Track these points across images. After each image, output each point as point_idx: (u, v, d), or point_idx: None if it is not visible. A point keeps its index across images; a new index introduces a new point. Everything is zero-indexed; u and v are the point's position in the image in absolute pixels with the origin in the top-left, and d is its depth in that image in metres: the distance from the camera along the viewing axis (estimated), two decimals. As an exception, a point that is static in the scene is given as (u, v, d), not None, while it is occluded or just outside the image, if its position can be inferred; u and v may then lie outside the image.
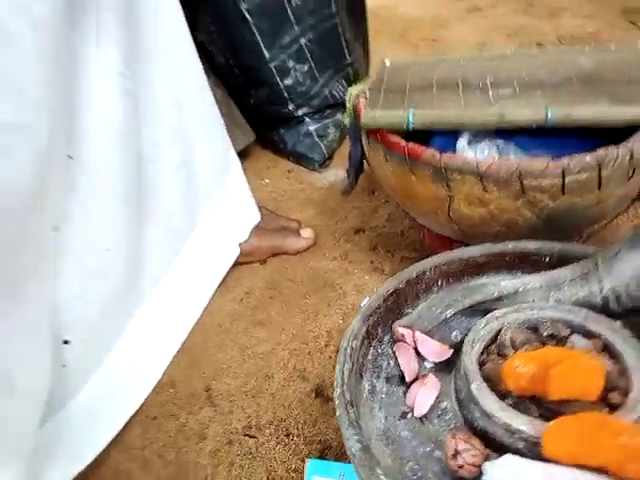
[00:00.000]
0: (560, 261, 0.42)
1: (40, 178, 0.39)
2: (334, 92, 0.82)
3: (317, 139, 0.80)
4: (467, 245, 0.45)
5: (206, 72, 0.59)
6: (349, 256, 0.62)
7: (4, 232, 0.36)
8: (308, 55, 0.77)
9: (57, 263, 0.45)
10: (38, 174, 0.38)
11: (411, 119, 0.45)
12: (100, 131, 0.47)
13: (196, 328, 0.55)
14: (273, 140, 0.83)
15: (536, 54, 0.57)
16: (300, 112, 0.79)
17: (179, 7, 0.54)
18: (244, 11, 0.69)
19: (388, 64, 0.59)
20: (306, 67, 0.77)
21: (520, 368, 0.31)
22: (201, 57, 0.58)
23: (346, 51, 0.82)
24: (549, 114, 0.42)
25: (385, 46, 1.22)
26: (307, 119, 0.80)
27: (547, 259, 0.43)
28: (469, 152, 0.46)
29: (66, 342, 0.46)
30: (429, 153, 0.43)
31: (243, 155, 0.83)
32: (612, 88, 0.46)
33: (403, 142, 0.45)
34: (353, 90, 0.55)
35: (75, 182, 0.45)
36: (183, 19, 0.54)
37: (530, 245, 0.43)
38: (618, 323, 0.36)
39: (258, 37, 0.71)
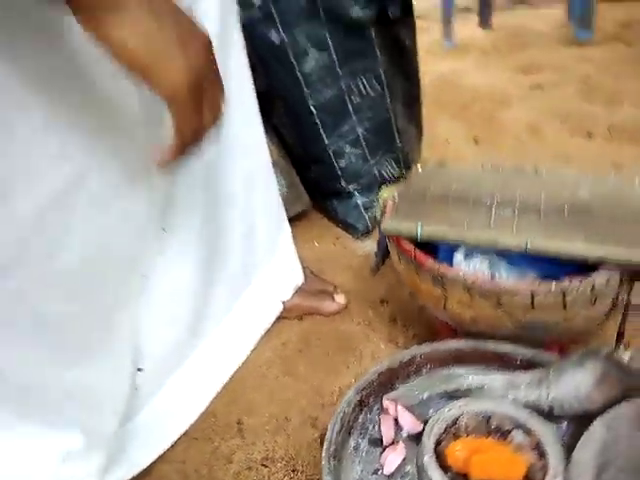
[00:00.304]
0: (529, 364, 0.52)
1: (139, 246, 0.54)
2: (382, 171, 0.94)
3: (363, 211, 0.93)
4: (461, 333, 0.56)
5: (275, 146, 0.73)
6: (372, 324, 0.73)
7: (107, 280, 0.50)
8: (362, 142, 0.90)
9: (142, 305, 0.60)
10: (137, 245, 0.54)
11: (420, 232, 0.56)
12: (189, 211, 0.62)
13: (239, 369, 0.69)
14: (326, 208, 0.96)
15: (546, 176, 0.66)
16: (350, 187, 0.92)
17: (254, 97, 0.67)
18: (311, 107, 0.84)
19: (419, 170, 0.71)
20: (359, 151, 0.90)
21: (458, 451, 0.41)
22: (272, 134, 0.72)
23: (397, 137, 0.94)
24: (528, 245, 0.52)
25: (442, 120, 1.33)
26: (356, 193, 0.93)
27: (518, 361, 0.53)
28: (464, 264, 0.57)
29: (140, 369, 0.61)
30: (430, 263, 0.55)
31: (300, 218, 0.97)
32: (595, 223, 0.55)
33: (412, 250, 0.57)
34: (384, 193, 0.67)
35: (165, 246, 0.60)
36: (256, 107, 0.67)
37: (506, 347, 0.53)
38: (554, 427, 0.45)
39: (320, 128, 0.85)
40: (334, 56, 0.82)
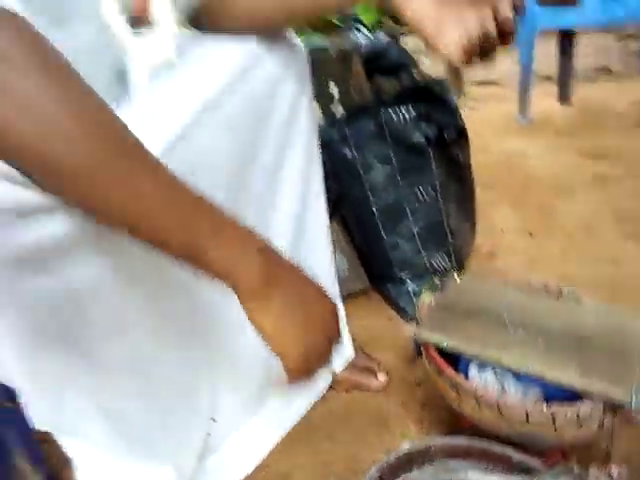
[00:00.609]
0: (526, 469, 0.63)
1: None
2: (433, 263, 1.07)
3: (413, 297, 1.06)
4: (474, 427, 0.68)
5: (342, 233, 0.89)
6: (406, 405, 0.86)
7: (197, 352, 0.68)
8: (417, 238, 1.04)
9: (222, 369, 0.77)
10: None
11: (445, 345, 0.70)
12: None
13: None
14: (381, 290, 1.11)
15: (565, 301, 0.77)
16: (403, 275, 1.06)
17: (324, 195, 0.83)
18: (373, 209, 1.00)
19: (457, 280, 0.84)
20: (413, 246, 1.04)
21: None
22: (340, 224, 0.89)
23: (448, 234, 1.07)
24: (528, 369, 0.64)
25: (500, 207, 1.43)
26: (408, 281, 1.07)
27: (517, 464, 0.64)
28: (477, 376, 0.69)
29: (213, 420, 0.78)
30: (449, 371, 0.68)
31: (358, 295, 1.12)
32: (591, 356, 0.66)
33: (437, 357, 0.70)
34: (424, 297, 0.81)
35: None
36: (324, 205, 0.83)
37: (508, 451, 0.65)
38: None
39: (380, 226, 1.01)
40: (396, 170, 0.98)
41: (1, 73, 0.35)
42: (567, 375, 0.64)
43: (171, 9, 0.64)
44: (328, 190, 0.85)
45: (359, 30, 1.26)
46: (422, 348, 0.75)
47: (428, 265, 1.07)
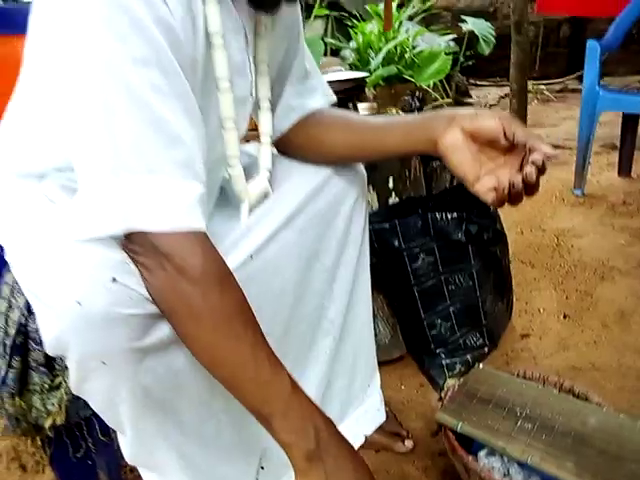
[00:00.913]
0: None
1: None
2: (467, 341, 1.20)
3: (445, 370, 1.18)
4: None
5: (386, 305, 1.04)
6: (427, 471, 0.98)
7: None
8: (453, 318, 1.17)
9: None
10: None
11: (459, 428, 0.83)
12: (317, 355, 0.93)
13: None
14: (417, 359, 1.24)
15: (575, 399, 0.88)
16: (438, 350, 1.19)
17: (369, 280, 0.98)
18: (415, 292, 1.14)
19: (480, 367, 0.96)
20: (449, 324, 1.17)
21: None
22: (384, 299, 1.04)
23: (482, 316, 1.20)
24: (529, 461, 0.76)
25: (541, 286, 1.53)
26: (442, 355, 1.19)
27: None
28: (485, 460, 0.81)
29: (262, 467, 0.93)
30: (460, 453, 0.80)
31: (396, 361, 1.25)
32: (587, 455, 0.77)
33: (451, 437, 0.83)
34: (449, 382, 0.94)
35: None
36: (369, 290, 0.99)
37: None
38: None
39: (420, 306, 1.15)
40: (438, 260, 1.12)
41: (193, 328, 0.58)
42: (563, 472, 0.75)
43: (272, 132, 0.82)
44: (377, 271, 1.01)
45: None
46: (441, 426, 0.88)
47: (462, 343, 1.19)
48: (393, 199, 1.24)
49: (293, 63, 0.82)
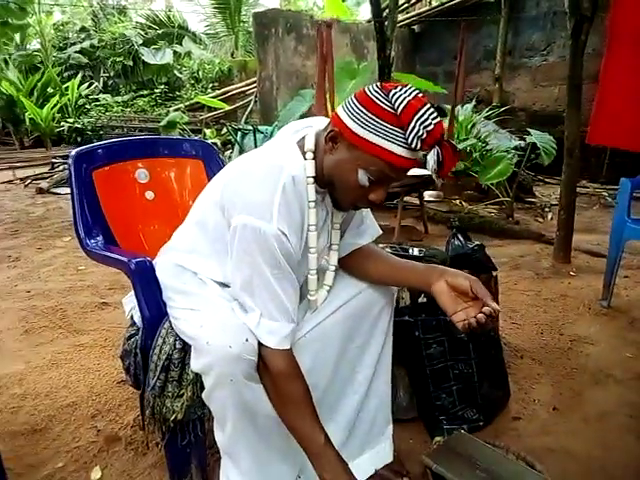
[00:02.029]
0: None
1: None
2: (465, 415, 1.58)
3: (445, 434, 1.56)
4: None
5: (405, 376, 1.45)
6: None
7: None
8: (454, 395, 1.56)
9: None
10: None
11: (434, 469, 1.22)
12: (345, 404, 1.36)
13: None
14: (425, 422, 1.62)
15: (520, 467, 1.24)
16: (441, 417, 1.57)
17: (390, 356, 1.41)
18: (427, 371, 1.54)
19: (462, 432, 1.35)
20: (451, 399, 1.56)
21: None
22: (404, 371, 1.45)
23: (478, 398, 1.57)
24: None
25: (544, 381, 1.86)
26: (444, 421, 1.57)
27: None
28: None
29: (299, 477, 1.35)
30: (432, 484, 1.19)
31: (411, 420, 1.64)
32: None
33: (429, 475, 1.21)
34: (437, 438, 1.33)
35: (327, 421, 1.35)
36: (390, 361, 1.41)
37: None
38: None
39: (430, 383, 1.55)
40: (447, 350, 1.53)
41: (271, 397, 1.12)
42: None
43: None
44: (401, 352, 1.44)
45: (458, 238, 1.88)
46: (427, 470, 1.27)
47: (460, 415, 1.57)
48: (421, 299, 1.67)
49: (354, 218, 1.31)
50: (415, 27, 7.80)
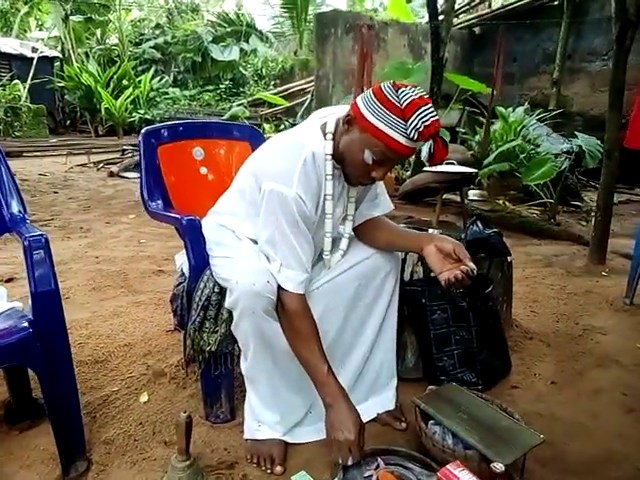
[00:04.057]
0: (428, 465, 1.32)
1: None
2: (464, 377, 1.76)
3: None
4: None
5: (415, 341, 1.66)
6: (408, 442, 1.55)
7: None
8: (455, 358, 1.75)
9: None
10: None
11: (421, 407, 1.42)
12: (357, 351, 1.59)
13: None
14: (428, 381, 1.82)
15: (499, 413, 1.42)
16: (442, 378, 1.76)
17: (395, 318, 1.62)
18: (431, 335, 1.74)
19: (453, 384, 1.54)
20: (452, 362, 1.75)
21: None
22: (413, 335, 1.66)
23: (477, 363, 1.75)
24: (458, 432, 1.33)
25: (543, 359, 2.00)
26: (445, 382, 1.76)
27: (429, 465, 1.32)
28: (431, 426, 1.39)
29: (310, 412, 1.58)
30: (419, 419, 1.39)
31: (416, 379, 1.83)
32: (490, 436, 1.32)
33: (418, 412, 1.42)
34: (430, 387, 1.53)
35: (339, 365, 1.58)
36: (395, 326, 1.62)
37: (427, 459, 1.33)
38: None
39: (433, 346, 1.74)
40: (449, 316, 1.72)
41: (286, 331, 1.37)
42: (472, 439, 1.31)
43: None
44: (410, 317, 1.65)
45: (477, 224, 2.06)
46: (416, 408, 1.47)
47: (460, 377, 1.75)
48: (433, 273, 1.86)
49: (369, 192, 1.53)
50: (476, 29, 7.85)
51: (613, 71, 3.14)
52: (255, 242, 1.46)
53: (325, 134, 1.36)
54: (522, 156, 4.68)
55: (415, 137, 1.23)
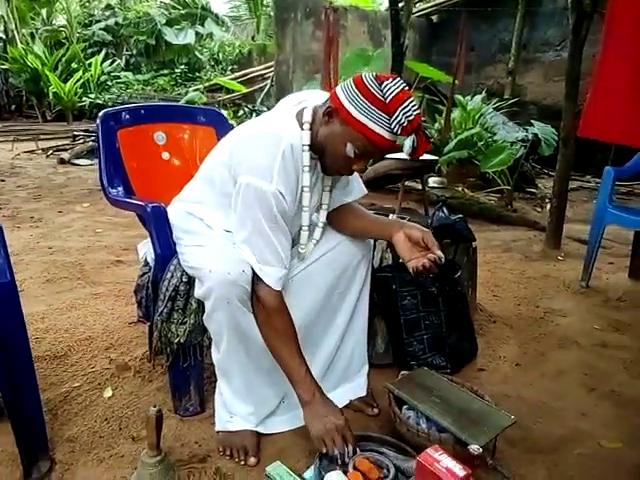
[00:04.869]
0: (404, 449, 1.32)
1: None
2: (433, 361, 1.78)
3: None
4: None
5: (384, 326, 1.66)
6: (380, 427, 1.56)
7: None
8: (425, 343, 1.76)
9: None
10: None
11: (395, 392, 1.42)
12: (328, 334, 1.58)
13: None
14: (398, 367, 1.83)
15: (470, 396, 1.45)
16: (412, 363, 1.77)
17: (367, 305, 1.61)
18: (401, 320, 1.74)
19: (424, 369, 1.55)
20: (422, 347, 1.76)
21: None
22: (382, 320, 1.66)
23: (446, 347, 1.77)
24: (432, 416, 1.34)
25: (507, 342, 2.05)
26: (415, 367, 1.77)
27: (404, 449, 1.33)
28: (405, 411, 1.40)
29: (283, 402, 1.57)
30: (392, 405, 1.40)
31: (387, 365, 1.84)
32: (462, 419, 1.34)
33: (392, 398, 1.42)
34: (403, 372, 1.53)
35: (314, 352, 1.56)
36: (367, 312, 1.61)
37: (402, 444, 1.34)
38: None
39: (403, 331, 1.75)
40: (419, 302, 1.73)
41: (261, 327, 1.34)
42: (446, 422, 1.32)
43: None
44: (380, 304, 1.64)
45: (443, 210, 2.07)
46: (389, 394, 1.48)
47: (430, 361, 1.77)
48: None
49: (342, 180, 1.50)
50: (434, 17, 7.91)
51: (569, 61, 3.22)
52: (227, 232, 1.42)
53: (302, 124, 1.32)
54: (480, 144, 4.76)
55: (399, 131, 1.22)
